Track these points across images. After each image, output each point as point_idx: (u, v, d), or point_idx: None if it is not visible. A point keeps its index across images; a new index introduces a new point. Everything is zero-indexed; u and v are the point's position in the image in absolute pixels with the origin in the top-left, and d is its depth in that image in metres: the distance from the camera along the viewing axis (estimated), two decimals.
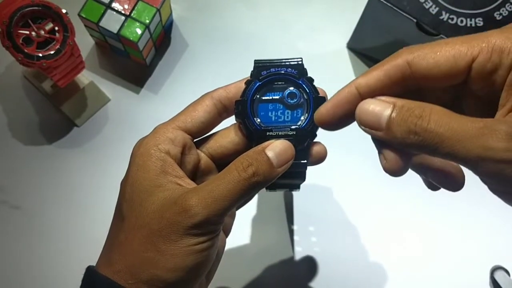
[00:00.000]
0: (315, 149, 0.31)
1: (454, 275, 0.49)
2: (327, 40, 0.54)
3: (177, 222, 0.26)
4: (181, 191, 0.27)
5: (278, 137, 0.29)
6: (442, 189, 0.29)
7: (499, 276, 0.48)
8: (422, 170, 0.28)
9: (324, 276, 0.48)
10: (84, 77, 0.50)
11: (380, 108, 0.24)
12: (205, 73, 0.52)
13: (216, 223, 0.27)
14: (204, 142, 0.32)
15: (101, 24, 0.46)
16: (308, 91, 0.30)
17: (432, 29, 0.42)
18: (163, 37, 0.53)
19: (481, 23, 0.41)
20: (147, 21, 0.46)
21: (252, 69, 0.31)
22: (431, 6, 0.42)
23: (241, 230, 0.48)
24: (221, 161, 0.31)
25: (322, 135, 0.30)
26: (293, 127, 0.30)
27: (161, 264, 0.26)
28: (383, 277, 0.48)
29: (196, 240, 0.26)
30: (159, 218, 0.27)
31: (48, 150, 0.49)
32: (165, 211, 0.27)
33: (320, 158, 0.31)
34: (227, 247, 0.34)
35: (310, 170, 0.31)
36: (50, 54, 0.42)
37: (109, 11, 0.46)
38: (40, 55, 0.41)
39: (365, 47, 0.53)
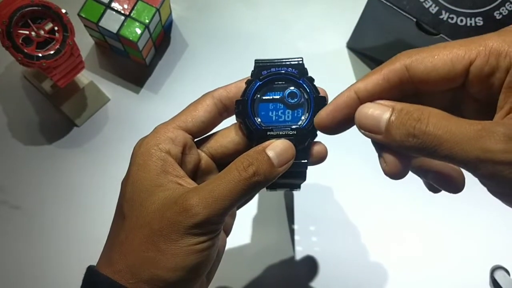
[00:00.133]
0: (316, 148, 0.31)
1: (454, 274, 0.49)
2: (327, 39, 0.54)
3: (178, 222, 0.26)
4: (182, 191, 0.27)
5: (278, 136, 0.30)
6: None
7: (499, 275, 0.48)
8: (422, 172, 0.28)
9: (324, 276, 0.48)
10: (84, 77, 0.50)
11: (379, 111, 0.25)
12: (205, 73, 0.52)
13: (217, 223, 0.27)
14: (204, 141, 0.32)
15: (100, 24, 0.46)
16: (308, 90, 0.30)
17: (432, 28, 0.42)
18: (162, 37, 0.53)
19: (481, 23, 0.42)
20: (147, 21, 0.46)
21: (252, 68, 0.31)
22: (430, 6, 0.42)
23: (242, 229, 0.48)
24: (222, 161, 0.31)
25: (323, 135, 0.30)
26: (293, 126, 0.30)
27: (162, 263, 0.26)
28: (384, 277, 0.49)
29: (197, 239, 0.26)
30: (160, 218, 0.27)
31: (48, 150, 0.49)
32: (165, 211, 0.27)
33: (321, 158, 0.31)
34: (227, 246, 0.34)
35: (311, 170, 0.31)
36: (49, 54, 0.42)
37: (108, 11, 0.46)
38: (40, 55, 0.41)
39: (365, 47, 0.53)
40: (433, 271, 0.49)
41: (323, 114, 0.27)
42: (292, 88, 0.30)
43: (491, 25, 0.41)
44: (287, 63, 0.30)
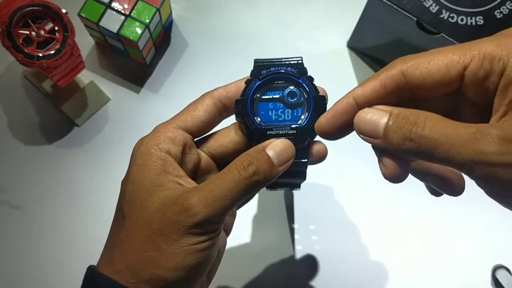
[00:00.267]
0: (316, 148, 0.31)
1: (456, 274, 0.49)
2: (327, 39, 0.54)
3: (178, 222, 0.26)
4: (182, 191, 0.27)
5: (278, 136, 0.29)
6: None
7: (501, 275, 0.48)
8: (422, 176, 0.29)
9: (324, 275, 0.48)
10: (84, 77, 0.50)
11: (377, 116, 0.25)
12: (205, 72, 0.52)
13: (217, 222, 0.27)
14: (204, 141, 0.32)
15: (101, 23, 0.46)
16: (308, 90, 0.30)
17: (432, 27, 0.42)
18: (163, 36, 0.53)
19: (481, 22, 0.41)
20: (147, 21, 0.46)
21: (252, 68, 0.31)
22: (431, 5, 0.42)
23: (242, 229, 0.48)
24: (222, 161, 0.31)
25: None
26: (293, 126, 0.30)
27: (162, 263, 0.26)
28: (384, 276, 0.48)
29: (197, 239, 0.26)
30: (160, 218, 0.27)
31: (48, 150, 0.50)
32: (165, 211, 0.27)
33: (321, 157, 0.31)
34: (228, 246, 0.34)
35: (311, 169, 0.31)
36: (50, 54, 0.42)
37: (109, 10, 0.46)
38: (40, 55, 0.41)
39: (365, 46, 0.53)
40: (434, 271, 0.49)
41: (323, 120, 0.28)
42: (291, 87, 0.30)
43: (492, 24, 0.41)
44: (286, 62, 0.30)
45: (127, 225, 0.28)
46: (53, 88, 0.49)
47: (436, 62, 0.24)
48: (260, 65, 0.30)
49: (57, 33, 0.42)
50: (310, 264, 0.48)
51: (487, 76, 0.23)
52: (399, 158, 0.26)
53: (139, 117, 0.51)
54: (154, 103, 0.51)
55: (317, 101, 0.30)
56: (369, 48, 0.53)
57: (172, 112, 0.31)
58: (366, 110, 0.26)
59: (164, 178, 0.28)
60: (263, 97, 0.30)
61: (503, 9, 0.41)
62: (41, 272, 0.47)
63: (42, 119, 0.50)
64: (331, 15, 0.54)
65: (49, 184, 0.49)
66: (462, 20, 0.42)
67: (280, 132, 0.30)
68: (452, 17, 0.42)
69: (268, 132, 0.30)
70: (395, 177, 0.26)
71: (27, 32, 0.41)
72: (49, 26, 0.42)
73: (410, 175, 0.28)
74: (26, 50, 0.41)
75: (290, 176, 0.30)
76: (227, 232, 0.35)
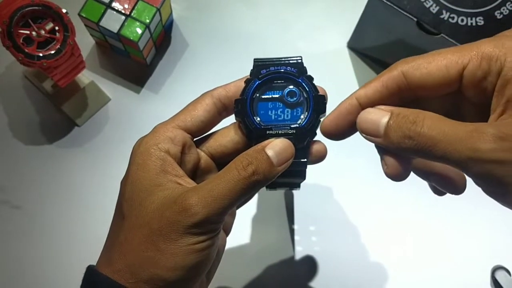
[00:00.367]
0: (315, 147, 0.31)
1: (455, 275, 0.49)
2: (328, 39, 0.54)
3: (177, 221, 0.26)
4: (181, 190, 0.27)
5: (278, 135, 0.29)
6: None
7: (500, 276, 0.47)
8: (424, 174, 0.29)
9: (324, 276, 0.48)
10: (85, 77, 0.50)
11: (378, 116, 0.26)
12: (205, 72, 0.52)
13: (216, 222, 0.27)
14: (204, 141, 0.32)
15: (101, 23, 0.46)
16: (307, 89, 0.30)
17: (433, 28, 0.42)
18: (163, 36, 0.53)
19: (482, 22, 0.41)
20: (147, 21, 0.46)
21: (251, 68, 0.31)
22: (431, 5, 0.42)
23: (242, 229, 0.48)
24: (221, 160, 0.31)
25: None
26: (293, 125, 0.30)
27: (161, 263, 0.26)
28: (384, 277, 0.48)
29: (196, 239, 0.26)
30: (159, 217, 0.27)
31: (48, 150, 0.50)
32: (165, 210, 0.26)
33: (320, 157, 0.31)
34: (227, 246, 0.34)
35: (311, 169, 0.31)
36: (50, 54, 0.42)
37: (109, 10, 0.46)
38: (41, 54, 0.41)
39: (365, 47, 0.53)
40: (434, 271, 0.49)
41: (326, 122, 0.29)
42: (291, 87, 0.30)
43: (492, 24, 0.41)
44: (286, 62, 0.30)
45: (126, 225, 0.28)
46: (53, 88, 0.49)
47: (436, 63, 0.25)
48: (260, 65, 0.30)
49: (57, 33, 0.42)
50: (309, 265, 0.48)
51: (485, 76, 0.24)
52: (401, 157, 0.26)
53: (139, 117, 0.51)
54: (155, 103, 0.51)
55: (317, 100, 0.30)
56: (369, 48, 0.53)
57: (172, 112, 0.31)
58: (368, 110, 0.27)
59: (164, 178, 0.28)
60: (263, 96, 0.30)
61: (503, 9, 0.41)
62: (41, 272, 0.47)
63: (43, 119, 0.50)
64: (331, 15, 0.54)
65: (49, 184, 0.49)
66: (462, 20, 0.42)
67: (280, 132, 0.30)
68: (453, 18, 0.42)
69: (267, 132, 0.30)
70: (397, 176, 0.26)
71: (28, 32, 0.41)
72: (50, 26, 0.42)
73: (411, 175, 0.28)
74: (26, 50, 0.41)
75: (289, 176, 0.30)
76: (227, 232, 0.35)
